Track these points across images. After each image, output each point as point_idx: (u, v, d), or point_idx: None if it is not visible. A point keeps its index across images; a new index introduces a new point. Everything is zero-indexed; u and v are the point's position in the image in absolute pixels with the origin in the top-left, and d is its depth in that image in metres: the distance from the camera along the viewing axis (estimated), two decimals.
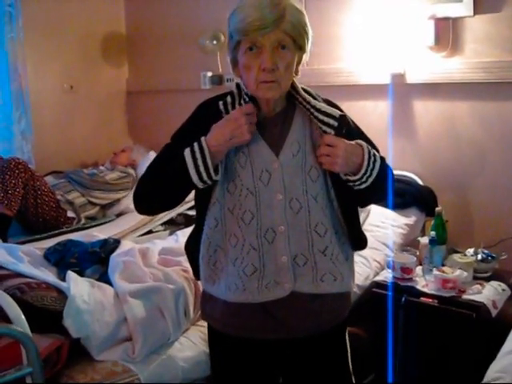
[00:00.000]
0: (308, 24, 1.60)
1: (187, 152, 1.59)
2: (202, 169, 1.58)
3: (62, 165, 4.25)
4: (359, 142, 1.67)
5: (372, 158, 1.65)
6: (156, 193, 1.69)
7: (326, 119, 1.65)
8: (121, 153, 4.35)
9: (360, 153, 1.64)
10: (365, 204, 1.99)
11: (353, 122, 1.78)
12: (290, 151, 1.67)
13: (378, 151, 1.74)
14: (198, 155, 1.58)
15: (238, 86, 1.70)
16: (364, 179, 1.65)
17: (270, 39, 1.54)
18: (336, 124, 1.64)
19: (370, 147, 1.68)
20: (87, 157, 4.61)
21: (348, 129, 1.70)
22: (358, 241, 1.82)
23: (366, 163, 1.63)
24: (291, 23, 1.54)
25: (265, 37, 1.53)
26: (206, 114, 1.69)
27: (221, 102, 1.67)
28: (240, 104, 1.65)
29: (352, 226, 1.77)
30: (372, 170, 1.65)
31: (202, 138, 1.60)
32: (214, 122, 1.62)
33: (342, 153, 1.59)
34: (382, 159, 1.73)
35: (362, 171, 1.63)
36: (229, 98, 1.68)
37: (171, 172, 1.63)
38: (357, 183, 1.65)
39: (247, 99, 1.65)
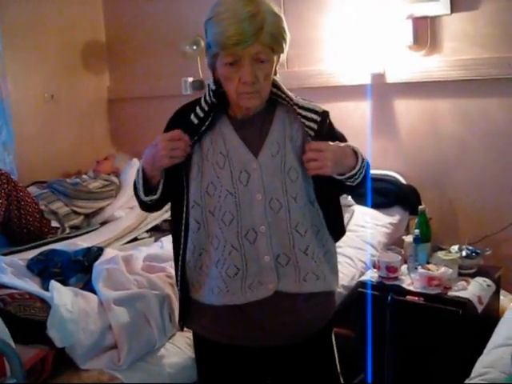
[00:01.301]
0: (286, 28, 1.59)
1: (136, 173, 1.72)
2: (140, 192, 1.71)
3: (45, 175, 4.21)
4: (346, 143, 1.68)
5: (361, 156, 1.67)
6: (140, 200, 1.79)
7: (309, 114, 1.66)
8: (104, 161, 4.33)
9: (348, 152, 1.65)
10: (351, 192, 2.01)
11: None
12: (270, 152, 1.67)
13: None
14: (137, 177, 1.71)
15: (209, 92, 1.70)
16: (357, 176, 1.65)
17: (249, 52, 1.54)
18: (319, 119, 1.65)
19: (353, 145, 1.69)
20: (70, 166, 4.58)
21: (330, 126, 1.71)
22: (339, 233, 1.84)
23: (359, 161, 1.65)
24: (270, 34, 1.53)
25: (244, 50, 1.53)
26: (175, 122, 1.72)
27: (192, 112, 1.69)
28: (203, 109, 1.68)
29: (333, 223, 1.78)
30: (363, 167, 1.67)
31: (141, 161, 1.69)
32: (181, 126, 1.65)
33: (331, 155, 1.58)
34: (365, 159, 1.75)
35: (356, 169, 1.64)
36: (199, 105, 1.69)
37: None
38: (349, 181, 1.66)
39: (209, 101, 1.68)
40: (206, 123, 1.67)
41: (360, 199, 3.28)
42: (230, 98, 1.67)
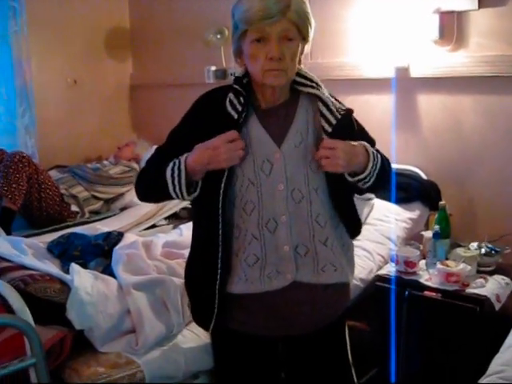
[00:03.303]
0: (310, 13, 1.62)
1: (168, 168, 1.65)
2: (177, 188, 1.64)
3: (66, 159, 4.25)
4: (360, 142, 1.68)
5: (375, 158, 1.67)
6: (155, 196, 1.81)
7: (329, 112, 1.67)
8: (125, 147, 4.35)
9: (361, 152, 1.65)
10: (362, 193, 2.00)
11: (355, 119, 1.78)
12: (293, 142, 1.68)
13: (376, 149, 1.77)
14: (175, 174, 1.63)
15: (236, 80, 1.71)
16: (368, 179, 1.67)
17: (276, 29, 1.55)
18: (339, 116, 1.67)
19: (370, 146, 1.69)
20: (91, 151, 4.61)
21: (349, 129, 1.71)
22: (354, 229, 1.84)
23: (370, 164, 1.65)
24: (296, 12, 1.56)
25: (271, 26, 1.55)
26: (205, 108, 1.71)
27: (228, 103, 1.67)
28: (240, 102, 1.66)
29: (348, 217, 1.79)
30: (375, 169, 1.67)
31: (183, 158, 1.64)
32: (213, 115, 1.65)
33: (343, 154, 1.60)
34: (386, 159, 1.75)
35: (367, 171, 1.65)
36: (231, 96, 1.68)
37: (157, 183, 1.69)
38: (361, 182, 1.67)
39: (244, 94, 1.66)
40: (243, 115, 1.66)
41: (381, 193, 3.27)
42: (254, 81, 1.67)
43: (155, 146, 4.18)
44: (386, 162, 1.74)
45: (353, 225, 1.82)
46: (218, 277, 1.69)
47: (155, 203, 1.81)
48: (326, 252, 1.71)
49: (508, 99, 3.13)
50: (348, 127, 1.71)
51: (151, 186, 1.75)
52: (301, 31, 1.60)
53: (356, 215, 1.85)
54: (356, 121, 1.78)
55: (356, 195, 1.84)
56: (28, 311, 1.96)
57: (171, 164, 1.65)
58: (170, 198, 1.70)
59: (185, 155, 1.64)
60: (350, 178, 1.67)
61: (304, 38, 1.63)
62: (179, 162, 1.64)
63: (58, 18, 4.38)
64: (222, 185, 1.63)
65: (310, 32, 1.63)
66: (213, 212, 1.65)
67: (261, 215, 1.67)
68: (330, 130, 1.66)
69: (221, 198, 1.64)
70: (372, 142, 1.78)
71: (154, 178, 1.71)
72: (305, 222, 1.69)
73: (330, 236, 1.72)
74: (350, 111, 1.71)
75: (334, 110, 1.69)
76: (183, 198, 1.68)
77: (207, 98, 1.75)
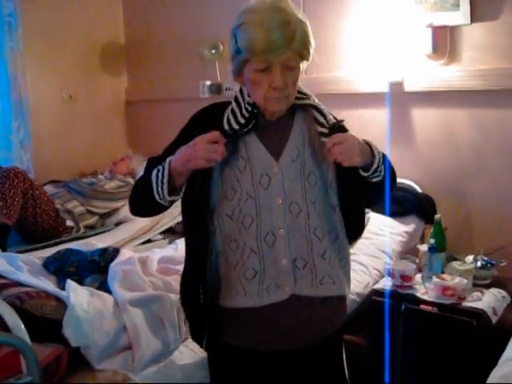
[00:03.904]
0: (311, 34, 1.62)
1: (154, 170, 1.64)
2: (159, 188, 1.63)
3: (61, 174, 4.24)
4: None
5: (376, 149, 1.67)
6: (142, 204, 1.76)
7: (322, 119, 1.70)
8: (120, 162, 4.35)
9: (363, 143, 1.65)
10: (371, 202, 1.99)
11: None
12: (290, 156, 1.69)
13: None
14: (160, 173, 1.63)
15: (241, 90, 1.72)
16: (379, 171, 1.65)
17: (280, 59, 1.56)
18: (330, 125, 1.68)
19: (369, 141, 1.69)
20: (86, 166, 4.60)
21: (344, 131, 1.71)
22: (356, 235, 1.85)
23: (376, 152, 1.65)
24: (301, 42, 1.56)
25: (276, 57, 1.55)
26: (201, 123, 1.70)
27: (228, 113, 1.68)
28: (242, 115, 1.67)
29: (354, 226, 1.80)
30: (382, 160, 1.66)
31: (168, 159, 1.63)
32: (209, 130, 1.63)
33: (355, 142, 1.60)
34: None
35: (376, 160, 1.64)
36: (234, 104, 1.70)
37: (145, 187, 1.67)
38: (374, 175, 1.66)
39: (249, 109, 1.67)
40: (245, 129, 1.67)
41: (376, 206, 3.27)
42: (257, 102, 1.67)
43: None
44: (388, 160, 1.72)
45: (356, 231, 1.83)
46: (214, 291, 1.69)
47: (144, 216, 1.78)
48: (324, 265, 1.72)
49: (502, 112, 3.15)
50: (343, 130, 1.71)
51: (139, 193, 1.73)
52: (303, 57, 1.61)
53: (363, 220, 1.86)
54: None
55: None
56: (24, 329, 1.95)
57: (158, 167, 1.65)
58: (155, 204, 1.68)
59: (170, 157, 1.64)
60: (363, 173, 1.65)
61: (305, 59, 1.63)
62: (164, 163, 1.64)
63: (54, 33, 4.39)
64: (211, 195, 1.66)
65: (310, 54, 1.63)
66: (204, 224, 1.68)
67: (259, 229, 1.67)
68: (326, 131, 1.67)
69: (211, 209, 1.67)
70: None
71: (141, 184, 1.71)
72: (303, 235, 1.69)
73: (328, 249, 1.72)
74: (341, 120, 1.73)
75: (329, 115, 1.71)
76: (164, 198, 1.64)
77: (204, 113, 1.76)
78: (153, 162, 1.73)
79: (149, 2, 4.71)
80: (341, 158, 1.58)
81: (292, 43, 1.54)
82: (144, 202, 1.74)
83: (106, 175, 4.21)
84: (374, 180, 1.68)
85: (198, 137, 1.59)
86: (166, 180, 1.62)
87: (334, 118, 1.74)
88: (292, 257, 1.68)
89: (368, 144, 1.66)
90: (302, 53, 1.59)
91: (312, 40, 1.62)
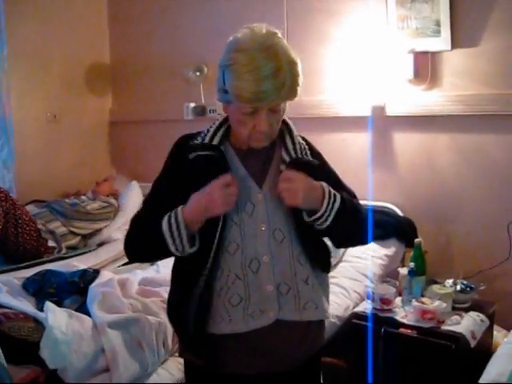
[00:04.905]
0: (300, 71, 1.59)
1: (164, 222, 1.61)
2: (177, 241, 1.61)
3: (44, 194, 4.22)
4: (319, 182, 1.68)
5: (332, 198, 1.66)
6: (143, 252, 1.75)
7: (289, 145, 1.72)
8: (103, 182, 4.34)
9: (319, 189, 1.66)
10: (339, 245, 1.99)
11: (323, 160, 1.82)
12: (273, 182, 1.69)
13: (348, 191, 1.79)
14: (174, 227, 1.60)
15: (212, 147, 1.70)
16: (325, 217, 1.65)
17: (268, 105, 1.57)
18: (294, 155, 1.70)
19: (327, 185, 1.69)
20: (69, 186, 4.57)
21: (309, 168, 1.71)
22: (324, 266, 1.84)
23: (326, 201, 1.64)
24: (290, 88, 1.55)
25: (264, 105, 1.56)
26: (184, 153, 1.70)
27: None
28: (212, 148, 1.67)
29: (316, 255, 1.79)
30: (331, 209, 1.66)
31: (179, 209, 1.61)
32: (193, 159, 1.65)
33: (302, 185, 1.61)
34: (349, 200, 1.73)
35: (323, 209, 1.64)
36: (213, 127, 1.71)
37: (152, 239, 1.65)
38: (319, 221, 1.66)
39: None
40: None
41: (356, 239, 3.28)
42: (240, 138, 1.68)
43: (134, 182, 4.25)
44: (350, 205, 1.72)
45: (322, 262, 1.82)
46: (196, 317, 1.68)
47: (146, 262, 1.73)
48: (308, 290, 1.72)
49: (482, 137, 3.20)
50: (308, 166, 1.71)
51: (145, 244, 1.70)
52: (290, 99, 1.61)
53: (325, 253, 1.85)
54: (324, 164, 1.81)
55: None
56: (0, 351, 1.93)
57: (166, 218, 1.62)
58: (166, 254, 1.68)
59: (180, 207, 1.61)
60: (306, 218, 1.66)
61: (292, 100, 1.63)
62: (176, 215, 1.61)
63: (39, 52, 4.40)
64: (219, 229, 1.63)
65: (298, 93, 1.61)
66: (203, 257, 1.65)
67: (244, 255, 1.67)
68: (287, 159, 1.69)
69: (215, 245, 1.64)
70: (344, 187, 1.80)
71: (147, 235, 1.68)
72: (286, 261, 1.70)
73: (310, 274, 1.74)
74: (314, 162, 1.74)
75: (298, 144, 1.72)
76: (183, 252, 1.63)
77: (187, 141, 1.74)
78: (149, 206, 1.74)
79: (134, 24, 4.74)
80: (283, 195, 1.61)
81: (281, 91, 1.53)
82: (154, 253, 1.74)
83: (89, 196, 4.20)
84: (318, 227, 1.69)
85: (212, 183, 1.59)
86: (184, 233, 1.60)
87: (308, 147, 1.75)
88: (276, 282, 1.69)
89: (323, 191, 1.66)
90: (290, 97, 1.59)
91: (301, 79, 1.59)
